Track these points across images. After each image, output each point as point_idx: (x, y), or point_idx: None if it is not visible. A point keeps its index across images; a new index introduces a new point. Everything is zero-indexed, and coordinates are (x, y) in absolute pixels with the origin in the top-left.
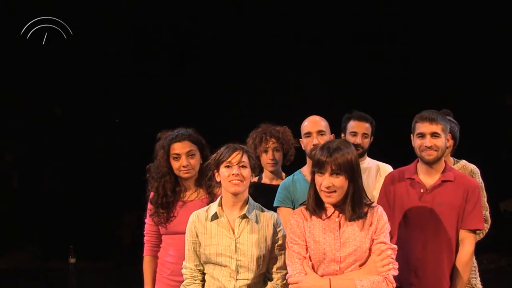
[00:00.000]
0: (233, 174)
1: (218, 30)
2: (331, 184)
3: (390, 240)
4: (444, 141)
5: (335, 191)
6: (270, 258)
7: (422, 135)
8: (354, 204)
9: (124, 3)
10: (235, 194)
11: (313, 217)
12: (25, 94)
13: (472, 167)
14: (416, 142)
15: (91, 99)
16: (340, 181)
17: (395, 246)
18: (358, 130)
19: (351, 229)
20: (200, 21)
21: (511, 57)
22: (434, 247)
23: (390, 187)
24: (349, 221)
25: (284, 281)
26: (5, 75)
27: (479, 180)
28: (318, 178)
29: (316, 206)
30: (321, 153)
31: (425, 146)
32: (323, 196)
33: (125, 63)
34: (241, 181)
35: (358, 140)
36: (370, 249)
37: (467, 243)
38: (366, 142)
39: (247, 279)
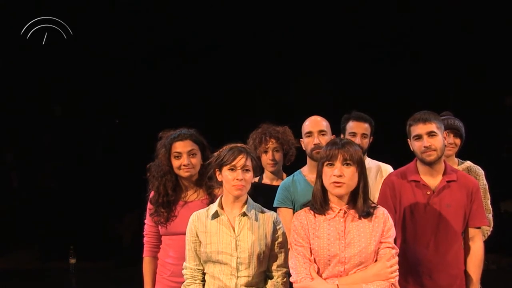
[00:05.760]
0: (237, 179)
1: (218, 30)
2: (342, 173)
3: (394, 242)
4: (441, 140)
5: (344, 183)
6: (270, 256)
7: (418, 137)
8: (366, 197)
9: (125, 3)
10: (238, 197)
11: (318, 218)
12: (25, 94)
13: (477, 168)
14: (414, 145)
15: (91, 99)
16: (351, 172)
17: (397, 249)
18: (357, 130)
19: (356, 230)
20: (200, 21)
21: (511, 57)
22: (446, 248)
23: (394, 191)
24: (360, 215)
25: (285, 279)
26: (5, 75)
27: (483, 182)
28: (327, 170)
29: (323, 203)
30: (330, 146)
31: (424, 147)
32: (332, 188)
33: (125, 63)
34: (244, 185)
35: (357, 140)
36: (375, 252)
37: (478, 239)
38: (366, 143)
39: (248, 276)
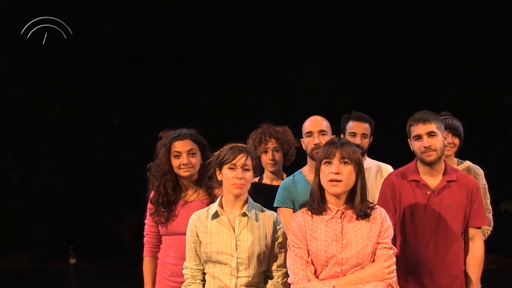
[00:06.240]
0: (236, 178)
1: (218, 30)
2: (339, 171)
3: (393, 242)
4: (441, 140)
5: (341, 181)
6: (270, 256)
7: (418, 137)
8: (363, 197)
9: (125, 3)
10: (237, 196)
11: (315, 219)
12: (25, 94)
13: (476, 168)
14: (414, 145)
15: (91, 99)
16: (348, 170)
17: (396, 249)
18: (357, 130)
19: (354, 231)
20: (200, 21)
21: (511, 57)
22: (446, 248)
23: (394, 191)
24: (358, 215)
25: (285, 279)
26: (5, 75)
27: (482, 181)
28: (325, 168)
29: (321, 202)
30: (329, 145)
31: (424, 147)
32: (329, 186)
33: (125, 63)
34: (244, 184)
35: (357, 140)
36: (373, 253)
37: (478, 239)
38: (366, 143)
39: (248, 277)
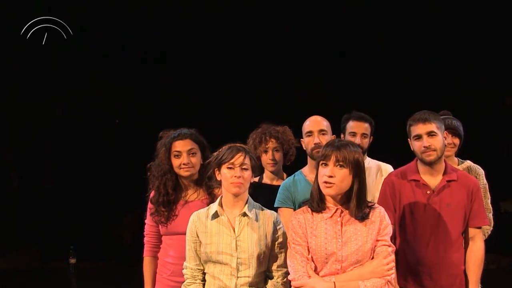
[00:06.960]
0: (235, 176)
1: (218, 31)
2: (333, 174)
3: (393, 242)
4: (441, 139)
5: (334, 183)
6: (271, 256)
7: (418, 137)
8: (360, 201)
9: (125, 3)
10: (236, 195)
11: (316, 217)
12: (25, 94)
13: (477, 168)
14: (414, 145)
15: (91, 99)
16: (343, 174)
17: (394, 247)
18: (357, 130)
19: (353, 228)
20: (200, 22)
21: (511, 57)
22: (445, 248)
23: (394, 190)
24: (355, 218)
25: (285, 279)
26: (5, 75)
27: (483, 181)
28: (321, 169)
29: (320, 201)
30: (327, 147)
31: (424, 147)
32: (323, 187)
33: (125, 63)
34: (242, 183)
35: (357, 140)
36: (372, 250)
37: (478, 238)
38: (366, 142)
39: (248, 277)
